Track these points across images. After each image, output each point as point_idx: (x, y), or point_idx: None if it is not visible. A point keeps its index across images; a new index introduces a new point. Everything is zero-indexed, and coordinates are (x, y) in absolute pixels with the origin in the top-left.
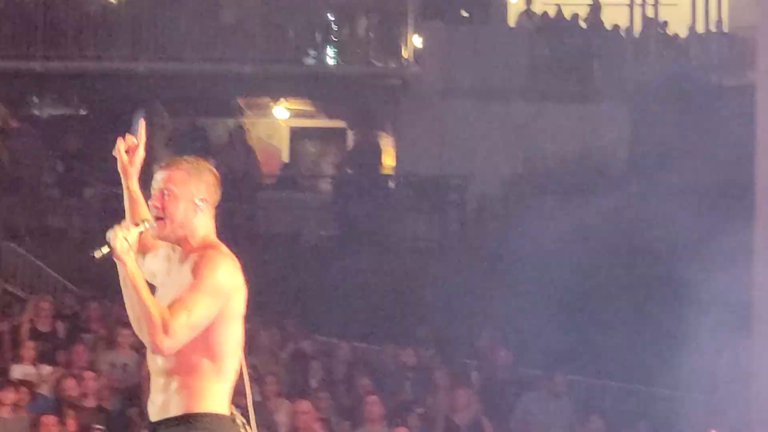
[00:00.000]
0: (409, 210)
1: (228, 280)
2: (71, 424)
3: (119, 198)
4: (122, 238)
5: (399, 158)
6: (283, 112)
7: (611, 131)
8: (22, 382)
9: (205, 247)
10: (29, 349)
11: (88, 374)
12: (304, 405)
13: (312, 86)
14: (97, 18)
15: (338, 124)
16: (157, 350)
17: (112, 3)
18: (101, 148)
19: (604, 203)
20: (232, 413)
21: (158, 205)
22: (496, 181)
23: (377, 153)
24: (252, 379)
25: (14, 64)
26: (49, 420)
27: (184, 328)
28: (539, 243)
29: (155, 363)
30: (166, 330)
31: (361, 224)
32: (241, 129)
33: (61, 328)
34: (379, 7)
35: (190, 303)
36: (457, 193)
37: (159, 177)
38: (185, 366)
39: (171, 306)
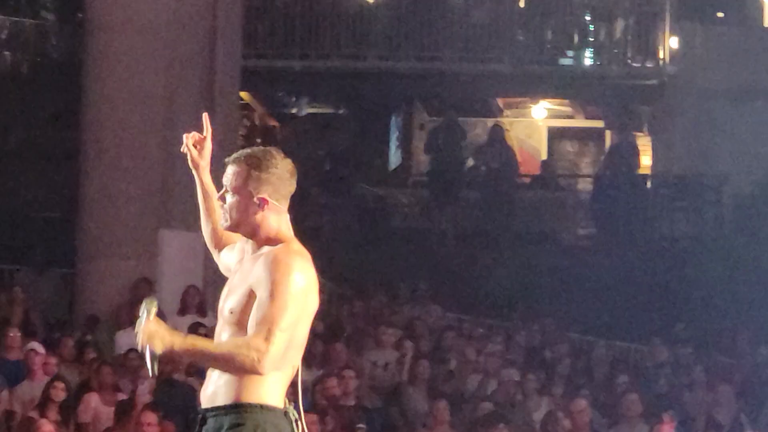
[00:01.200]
0: (666, 209)
1: (303, 282)
2: (330, 423)
3: (377, 197)
4: (148, 339)
5: (656, 158)
6: (541, 111)
7: None
8: None
9: (276, 242)
10: None
11: (349, 373)
12: (581, 404)
13: (569, 86)
14: (354, 17)
15: (596, 124)
16: (263, 373)
17: (369, 2)
18: (360, 147)
19: None
20: (285, 407)
21: (220, 198)
22: (752, 180)
23: (634, 152)
24: (512, 381)
25: (272, 63)
26: (309, 419)
27: (273, 342)
28: None
29: None
30: (259, 353)
31: (618, 223)
32: (499, 128)
33: (319, 326)
34: (636, 8)
35: (271, 317)
36: (714, 192)
37: (226, 170)
38: None
39: (258, 325)
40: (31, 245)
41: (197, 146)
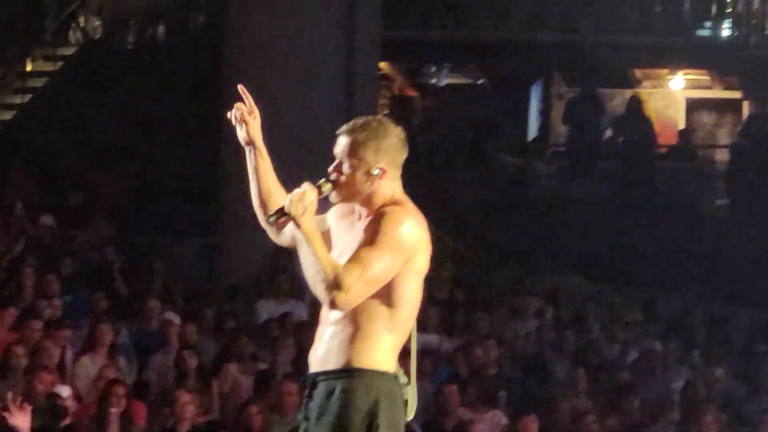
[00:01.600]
0: None
1: (411, 237)
2: (472, 392)
3: (516, 167)
4: (297, 202)
5: None
6: (679, 82)
7: None
8: (425, 351)
9: (392, 203)
10: (431, 316)
11: (491, 342)
12: (720, 373)
13: (708, 57)
14: None
15: (734, 94)
16: (332, 307)
17: None
18: (499, 117)
19: None
20: (396, 371)
21: (333, 170)
22: None
23: None
24: (652, 350)
25: (412, 34)
26: (451, 389)
27: (359, 283)
28: None
29: (329, 313)
30: (339, 285)
31: (756, 193)
32: (638, 99)
33: (460, 296)
34: None
35: (367, 258)
36: None
37: (338, 141)
38: (362, 318)
39: (348, 261)
40: (170, 215)
41: (247, 119)
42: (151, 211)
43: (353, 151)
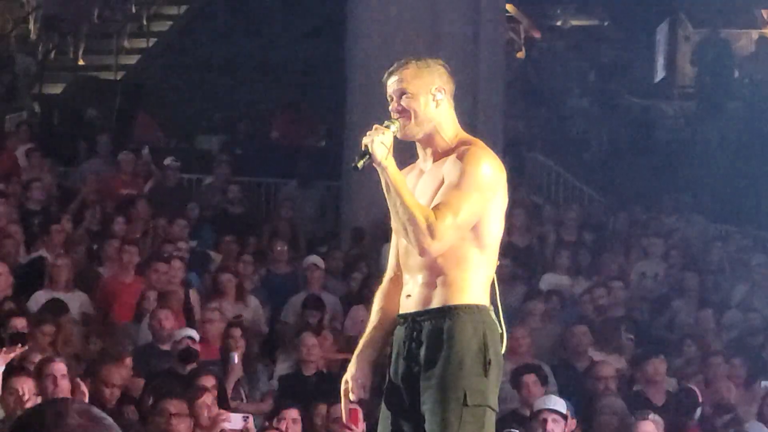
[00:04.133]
0: None
1: (493, 176)
2: (599, 333)
3: (642, 109)
4: (380, 143)
5: None
6: None
7: None
8: (552, 292)
9: (464, 143)
10: (563, 258)
11: (617, 284)
12: None
13: None
14: None
15: None
16: (424, 254)
17: None
18: (625, 59)
19: None
20: (488, 305)
21: (398, 107)
22: None
23: None
24: None
25: None
26: (582, 330)
27: (450, 229)
28: None
29: (416, 259)
30: (432, 233)
31: None
32: (766, 40)
33: (588, 238)
34: None
35: (456, 202)
36: None
37: (390, 82)
38: (454, 258)
39: (437, 207)
40: (297, 158)
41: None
42: (278, 154)
43: (410, 78)
